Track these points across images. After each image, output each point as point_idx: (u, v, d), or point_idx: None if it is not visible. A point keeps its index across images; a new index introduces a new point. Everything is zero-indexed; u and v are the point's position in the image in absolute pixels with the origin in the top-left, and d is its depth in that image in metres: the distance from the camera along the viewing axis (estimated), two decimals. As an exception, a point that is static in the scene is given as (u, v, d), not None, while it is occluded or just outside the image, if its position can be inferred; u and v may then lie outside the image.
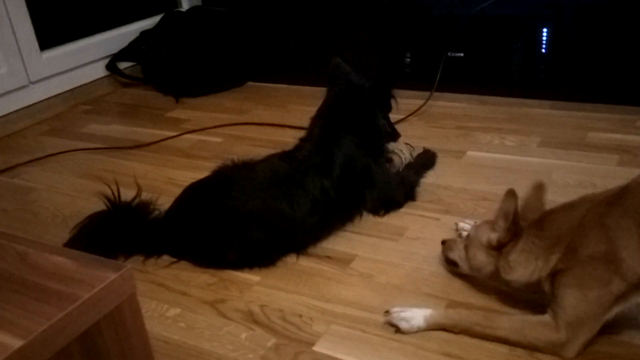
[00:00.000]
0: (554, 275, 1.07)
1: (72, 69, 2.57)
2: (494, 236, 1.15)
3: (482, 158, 1.79)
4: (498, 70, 2.21)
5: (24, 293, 0.54)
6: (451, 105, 2.18)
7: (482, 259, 1.18)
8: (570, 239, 1.05)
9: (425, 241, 1.43)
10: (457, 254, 1.26)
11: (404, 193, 1.60)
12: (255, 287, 1.34)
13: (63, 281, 0.53)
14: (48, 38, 2.49)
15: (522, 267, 1.11)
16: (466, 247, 1.22)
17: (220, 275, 1.39)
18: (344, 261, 1.39)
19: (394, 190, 1.59)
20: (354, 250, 1.42)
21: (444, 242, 1.32)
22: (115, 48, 2.71)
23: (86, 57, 2.62)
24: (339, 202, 1.46)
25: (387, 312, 1.17)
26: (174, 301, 1.32)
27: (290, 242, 1.43)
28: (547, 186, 1.18)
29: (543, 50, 2.13)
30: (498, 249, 1.15)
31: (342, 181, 1.47)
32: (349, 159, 1.50)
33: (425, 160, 1.78)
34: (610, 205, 1.03)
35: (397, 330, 1.14)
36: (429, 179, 1.70)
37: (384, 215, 1.56)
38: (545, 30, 2.10)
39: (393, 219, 1.53)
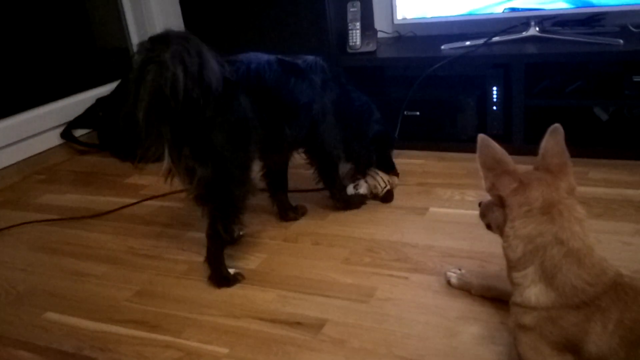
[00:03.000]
0: (519, 327, 1.05)
1: (25, 139, 2.51)
2: (486, 187, 1.07)
3: (445, 214, 1.81)
4: (453, 127, 2.28)
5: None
6: (411, 162, 2.22)
7: (496, 218, 1.10)
8: (570, 295, 0.99)
9: (395, 301, 1.42)
10: (488, 218, 1.17)
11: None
12: None
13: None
14: None
15: (520, 246, 1.04)
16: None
17: (186, 350, 1.33)
18: (315, 327, 1.36)
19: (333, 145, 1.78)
20: (324, 315, 1.40)
21: (480, 204, 1.23)
22: (70, 116, 2.68)
23: (40, 126, 2.58)
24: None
25: None
26: (139, 380, 1.25)
27: None
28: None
29: (494, 108, 2.21)
30: (501, 204, 1.07)
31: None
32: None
33: (354, 200, 1.91)
34: (618, 302, 0.96)
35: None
36: (394, 236, 1.71)
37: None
38: (495, 88, 2.19)
39: (362, 280, 1.52)
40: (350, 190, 1.93)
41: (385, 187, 1.92)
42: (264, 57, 1.62)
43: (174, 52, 1.33)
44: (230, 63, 1.51)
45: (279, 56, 1.66)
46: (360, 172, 1.95)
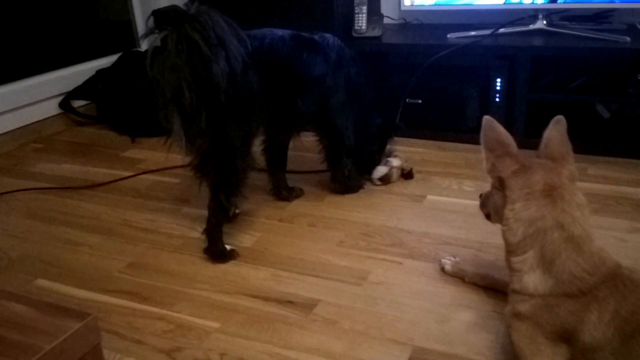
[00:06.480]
0: (515, 316, 1.05)
1: (23, 107, 2.49)
2: (487, 168, 1.07)
3: (442, 202, 1.81)
4: (455, 117, 2.27)
5: (-22, 345, 0.49)
6: (410, 150, 2.21)
7: (495, 202, 1.10)
8: (565, 279, 0.98)
9: (388, 285, 1.42)
10: (488, 207, 1.17)
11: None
12: (215, 334, 1.28)
13: (23, 331, 0.48)
14: (-1, 74, 2.41)
15: (521, 228, 1.02)
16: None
17: (177, 322, 1.33)
18: (307, 306, 1.36)
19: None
20: (317, 295, 1.40)
21: (481, 196, 1.24)
22: (69, 86, 2.65)
23: (38, 95, 2.55)
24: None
25: None
26: (127, 350, 1.24)
27: None
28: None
29: (497, 99, 2.21)
30: (500, 186, 1.06)
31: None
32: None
33: (353, 184, 1.90)
34: (616, 293, 0.95)
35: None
36: (390, 222, 1.70)
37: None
38: (499, 80, 2.18)
39: (356, 263, 1.52)
40: (382, 169, 1.94)
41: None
42: (278, 32, 1.62)
43: (196, 30, 1.32)
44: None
45: (295, 32, 1.66)
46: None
